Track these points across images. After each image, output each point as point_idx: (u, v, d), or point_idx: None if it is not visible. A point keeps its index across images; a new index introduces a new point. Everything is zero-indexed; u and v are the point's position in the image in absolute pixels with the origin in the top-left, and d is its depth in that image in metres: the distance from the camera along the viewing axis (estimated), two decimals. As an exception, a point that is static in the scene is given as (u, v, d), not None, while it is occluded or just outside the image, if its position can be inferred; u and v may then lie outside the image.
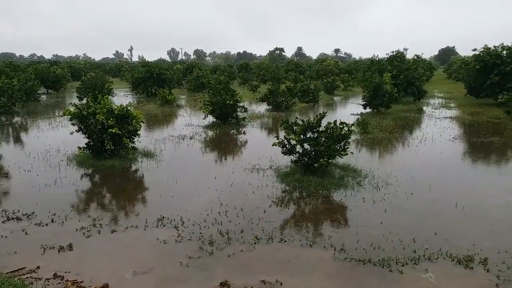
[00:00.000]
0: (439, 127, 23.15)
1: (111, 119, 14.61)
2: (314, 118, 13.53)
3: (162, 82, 42.73)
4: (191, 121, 25.75)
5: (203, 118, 24.61)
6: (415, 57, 42.83)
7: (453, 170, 14.55)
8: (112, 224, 9.57)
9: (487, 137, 20.15)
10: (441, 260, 7.82)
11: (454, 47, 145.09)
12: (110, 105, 15.31)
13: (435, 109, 32.49)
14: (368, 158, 16.06)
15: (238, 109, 24.81)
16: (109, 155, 15.17)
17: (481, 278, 7.23)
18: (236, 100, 24.43)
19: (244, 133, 21.87)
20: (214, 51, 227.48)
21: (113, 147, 14.76)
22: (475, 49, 37.14)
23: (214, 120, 24.66)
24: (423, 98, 37.59)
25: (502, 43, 35.09)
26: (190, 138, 20.04)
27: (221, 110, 23.84)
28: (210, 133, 21.85)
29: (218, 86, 25.55)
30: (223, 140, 20.41)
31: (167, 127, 23.79)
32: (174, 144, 18.65)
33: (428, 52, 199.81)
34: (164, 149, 17.38)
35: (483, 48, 35.66)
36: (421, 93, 37.00)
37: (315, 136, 13.25)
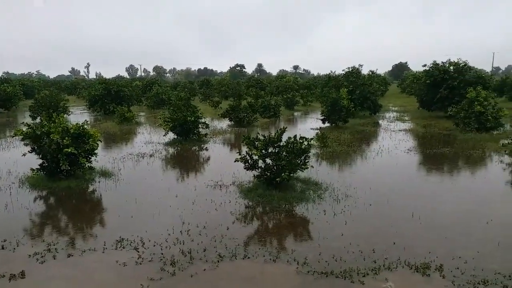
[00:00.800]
0: (394, 140, 24.12)
1: (67, 138, 14.07)
2: (275, 133, 13.72)
3: (120, 99, 41.77)
4: (151, 138, 25.30)
5: (164, 135, 24.26)
6: (370, 72, 44.61)
7: (408, 181, 15.17)
8: (68, 248, 9.14)
9: (439, 148, 21.21)
10: (400, 269, 8.07)
11: (406, 63, 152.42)
12: (66, 124, 14.78)
13: (390, 122, 33.86)
14: (328, 171, 16.42)
15: (200, 125, 24.68)
16: (65, 176, 14.57)
17: (437, 285, 7.52)
18: (197, 117, 24.32)
19: (206, 150, 21.75)
20: (174, 68, 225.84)
21: (69, 168, 14.18)
22: (425, 65, 39.31)
23: (175, 137, 24.37)
24: (378, 112, 39.09)
25: (449, 59, 37.39)
26: (150, 156, 19.66)
27: (182, 126, 23.62)
28: (171, 150, 21.55)
29: (178, 102, 25.40)
30: (185, 157, 20.18)
31: (126, 145, 23.22)
32: (134, 162, 18.21)
33: (383, 67, 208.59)
34: (123, 168, 16.92)
35: (432, 64, 37.80)
36: (376, 107, 38.46)
37: (276, 151, 13.43)
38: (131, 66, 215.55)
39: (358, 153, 20.53)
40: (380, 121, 34.53)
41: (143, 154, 20.02)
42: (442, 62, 37.47)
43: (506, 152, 19.24)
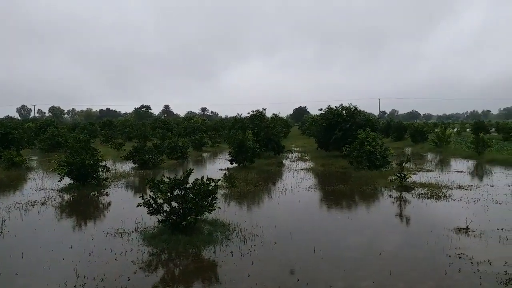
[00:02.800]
0: (297, 178, 25.32)
1: None
2: (181, 175, 13.48)
3: (8, 142, 37.71)
4: (43, 184, 23.00)
5: (59, 181, 22.24)
6: (273, 115, 46.93)
7: (311, 217, 15.89)
8: None
9: (337, 185, 22.76)
10: (304, 305, 8.23)
11: (305, 107, 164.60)
12: None
13: (293, 162, 35.63)
14: (236, 211, 16.48)
15: (100, 169, 23.21)
16: None
17: (339, 317, 7.80)
18: (97, 159, 22.89)
19: (107, 195, 20.39)
20: (73, 108, 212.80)
21: None
22: (321, 109, 42.67)
23: (72, 182, 22.50)
24: (282, 152, 40.95)
25: (341, 104, 41.26)
26: (42, 203, 17.79)
27: (80, 170, 21.93)
28: (66, 196, 19.77)
29: (76, 145, 23.70)
30: (82, 204, 18.63)
31: (14, 193, 20.75)
32: (22, 212, 16.27)
33: (285, 111, 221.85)
34: (8, 219, 15.00)
35: (327, 108, 41.26)
36: (280, 148, 40.30)
37: (182, 193, 13.14)
38: (23, 107, 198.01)
39: (264, 192, 21.06)
40: (284, 161, 36.13)
41: (34, 202, 18.04)
42: (335, 106, 41.16)
43: (394, 187, 21.42)
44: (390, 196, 19.67)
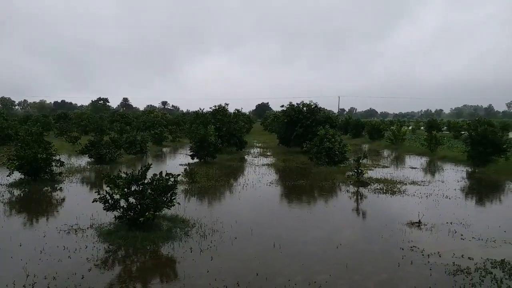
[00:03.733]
0: (258, 174, 25.44)
1: None
2: (139, 170, 13.15)
3: (-50, 134, 35.28)
4: (-9, 179, 21.70)
5: (8, 176, 21.05)
6: (236, 111, 46.85)
7: (271, 212, 16.01)
8: None
9: (297, 180, 23.08)
10: (263, 299, 8.28)
11: (268, 103, 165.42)
12: None
13: (255, 157, 35.77)
14: (196, 207, 16.31)
15: (53, 163, 22.19)
16: None
17: (296, 310, 7.91)
18: (50, 153, 21.86)
19: (61, 190, 19.55)
20: (25, 100, 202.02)
21: None
22: (282, 106, 43.07)
23: (23, 177, 21.36)
24: (244, 148, 41.02)
25: (302, 101, 41.81)
26: (-11, 200, 16.77)
27: (31, 165, 20.85)
28: (16, 192, 18.76)
29: (28, 138, 22.52)
30: (33, 200, 17.75)
31: (-44, 189, 19.42)
32: (-35, 208, 15.26)
33: (247, 107, 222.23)
34: (-50, 216, 14.02)
35: (288, 105, 41.70)
36: (242, 143, 40.35)
37: (140, 189, 12.82)
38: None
39: (226, 187, 20.99)
40: (246, 157, 36.19)
41: (-21, 198, 16.97)
42: (297, 103, 41.68)
43: (351, 182, 22.02)
44: (348, 191, 20.20)
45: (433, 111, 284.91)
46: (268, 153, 39.37)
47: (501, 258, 10.62)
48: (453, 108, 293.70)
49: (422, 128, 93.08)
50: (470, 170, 28.05)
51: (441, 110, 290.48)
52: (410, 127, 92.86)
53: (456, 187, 21.35)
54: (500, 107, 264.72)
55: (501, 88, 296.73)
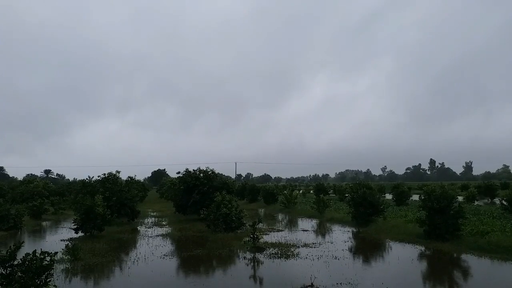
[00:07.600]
0: (151, 246, 23.97)
1: None
2: (7, 250, 11.38)
3: None
4: None
5: None
6: (129, 178, 44.63)
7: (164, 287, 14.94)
8: None
9: (193, 250, 22.26)
10: None
11: (165, 169, 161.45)
12: None
13: (149, 228, 33.88)
14: (78, 289, 14.48)
15: None
16: None
17: None
18: None
19: None
20: None
21: None
22: (179, 172, 42.45)
23: None
24: (137, 218, 38.72)
25: (199, 167, 41.79)
26: None
27: None
28: None
29: None
30: None
31: None
32: None
33: (142, 174, 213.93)
34: None
35: (185, 171, 41.30)
36: (134, 213, 38.11)
37: (7, 272, 11.01)
38: None
39: (115, 263, 19.22)
40: (139, 227, 34.10)
41: None
42: (193, 169, 41.51)
43: (248, 248, 22.00)
44: (245, 258, 20.05)
45: (320, 175, 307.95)
46: (164, 222, 37.68)
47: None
48: (338, 173, 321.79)
49: (311, 191, 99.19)
50: (355, 230, 30.29)
51: (327, 175, 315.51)
52: (301, 191, 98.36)
53: (344, 247, 22.71)
54: (376, 171, 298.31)
55: (377, 154, 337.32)
